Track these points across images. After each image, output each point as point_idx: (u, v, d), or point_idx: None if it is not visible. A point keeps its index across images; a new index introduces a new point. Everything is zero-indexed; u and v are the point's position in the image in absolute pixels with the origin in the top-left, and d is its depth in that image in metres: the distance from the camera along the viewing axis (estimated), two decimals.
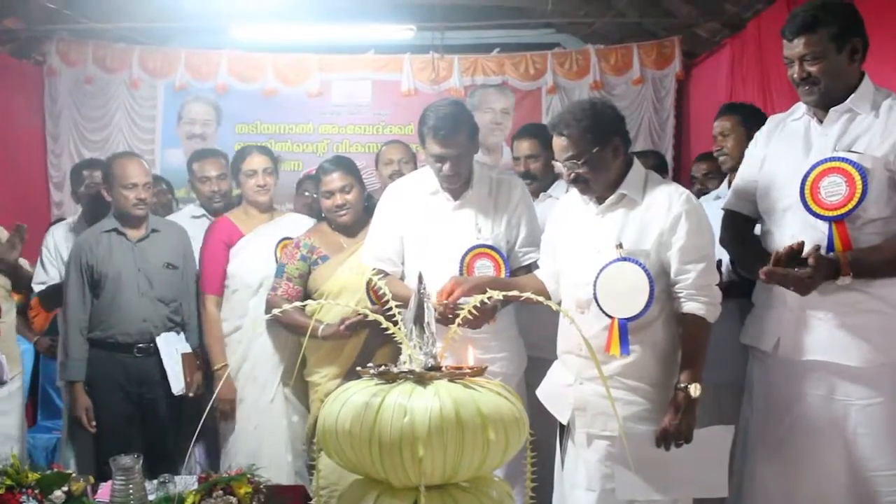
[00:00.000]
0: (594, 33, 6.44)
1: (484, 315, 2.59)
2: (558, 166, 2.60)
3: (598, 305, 2.48)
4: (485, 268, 2.86)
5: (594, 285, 2.48)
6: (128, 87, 6.15)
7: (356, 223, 3.32)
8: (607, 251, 2.51)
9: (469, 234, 2.91)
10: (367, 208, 3.39)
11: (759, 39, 4.99)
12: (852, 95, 2.44)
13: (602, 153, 2.49)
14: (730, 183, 3.35)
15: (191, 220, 3.99)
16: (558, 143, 2.54)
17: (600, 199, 2.59)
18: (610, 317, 2.47)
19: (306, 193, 4.25)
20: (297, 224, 3.65)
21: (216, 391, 3.29)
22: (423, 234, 2.96)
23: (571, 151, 2.50)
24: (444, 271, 2.79)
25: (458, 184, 2.92)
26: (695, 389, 2.43)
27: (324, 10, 5.92)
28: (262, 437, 3.46)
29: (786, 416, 2.56)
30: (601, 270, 2.48)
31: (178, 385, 3.48)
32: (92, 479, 2.63)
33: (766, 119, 3.29)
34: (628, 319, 2.45)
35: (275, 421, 3.49)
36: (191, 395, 3.53)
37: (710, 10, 5.54)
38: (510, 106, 6.37)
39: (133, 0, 5.81)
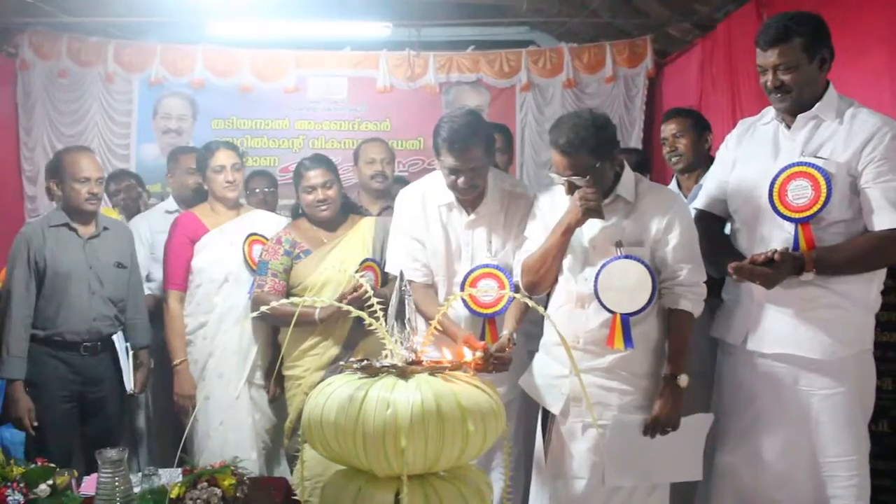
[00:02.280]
0: (568, 31, 6.52)
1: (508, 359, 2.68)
2: (556, 178, 2.62)
3: (600, 301, 2.56)
4: (488, 288, 2.82)
5: (595, 281, 2.56)
6: (103, 80, 6.11)
7: (335, 218, 3.39)
8: (604, 249, 2.59)
9: (481, 251, 2.89)
10: (343, 205, 3.44)
11: (730, 40, 5.10)
12: (818, 103, 2.55)
13: (602, 167, 2.56)
14: (679, 183, 3.47)
15: (165, 215, 4.02)
16: (561, 160, 2.56)
17: None
18: (612, 312, 2.55)
19: (256, 190, 4.29)
20: (263, 221, 3.69)
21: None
22: (438, 248, 2.92)
23: (575, 169, 2.54)
24: (455, 288, 2.84)
25: (472, 196, 2.87)
26: (683, 380, 2.55)
27: (300, 7, 5.93)
28: (226, 435, 3.47)
29: (753, 405, 2.67)
30: (602, 267, 2.56)
31: (130, 383, 3.49)
32: (76, 473, 2.67)
33: (709, 125, 3.41)
34: (630, 314, 2.54)
35: (240, 418, 3.51)
36: (137, 393, 3.57)
37: (682, 11, 5.64)
38: (485, 103, 6.42)
39: None
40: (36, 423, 3.27)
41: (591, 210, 2.52)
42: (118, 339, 3.47)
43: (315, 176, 3.33)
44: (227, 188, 3.57)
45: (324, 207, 3.34)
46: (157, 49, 6.15)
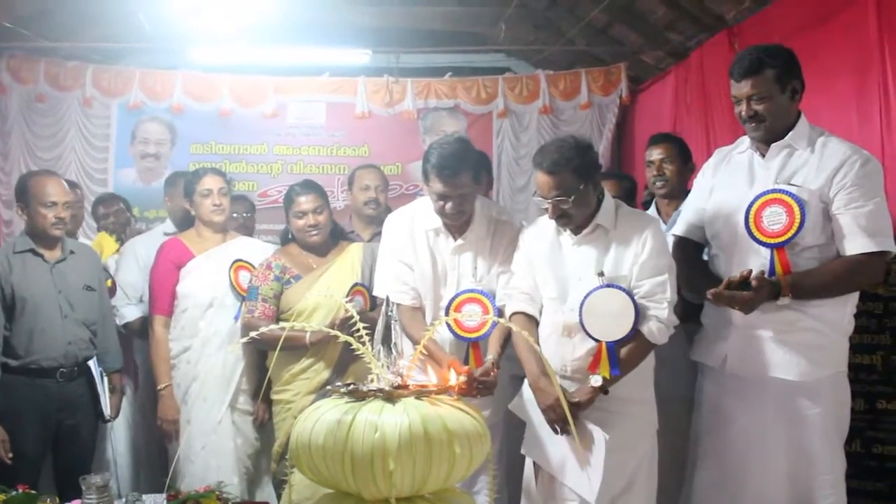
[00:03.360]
0: (544, 59, 6.62)
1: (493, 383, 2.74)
2: (540, 201, 2.68)
3: (585, 330, 2.60)
4: (473, 313, 2.86)
5: (580, 311, 2.61)
6: (81, 105, 6.07)
7: (325, 244, 3.44)
8: (588, 279, 2.64)
9: (467, 276, 2.94)
10: (332, 231, 3.49)
11: (702, 68, 5.21)
12: (791, 132, 2.64)
13: (586, 190, 2.62)
14: (658, 209, 3.52)
15: (163, 238, 4.01)
16: (546, 180, 2.62)
17: (576, 230, 2.72)
18: (597, 340, 2.59)
19: (234, 215, 4.32)
20: (249, 247, 3.73)
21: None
22: (426, 272, 2.97)
23: (560, 189, 2.60)
24: (441, 312, 2.89)
25: (459, 221, 2.92)
26: (595, 380, 2.58)
27: (280, 33, 5.99)
28: (208, 459, 3.48)
29: (732, 426, 2.72)
30: (586, 297, 2.61)
31: (108, 409, 3.51)
32: (58, 500, 2.65)
33: (691, 155, 3.49)
34: (615, 342, 2.58)
35: (222, 442, 3.52)
36: (113, 418, 3.59)
37: (656, 39, 5.75)
38: (462, 129, 6.44)
39: (88, 19, 5.80)
40: (11, 455, 3.20)
41: (553, 422, 2.62)
42: (93, 364, 3.45)
43: (306, 202, 3.37)
44: (215, 212, 3.61)
45: (314, 233, 3.39)
46: (136, 74, 6.14)
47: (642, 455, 2.68)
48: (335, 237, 3.52)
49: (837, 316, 2.63)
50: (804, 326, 2.59)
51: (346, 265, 3.42)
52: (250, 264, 3.57)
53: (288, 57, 6.20)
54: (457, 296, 2.91)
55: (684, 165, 3.46)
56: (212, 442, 3.49)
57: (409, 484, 2.04)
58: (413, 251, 2.99)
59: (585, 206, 2.64)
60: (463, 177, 2.81)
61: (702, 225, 2.85)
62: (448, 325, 2.85)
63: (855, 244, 2.52)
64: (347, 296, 3.21)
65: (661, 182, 3.46)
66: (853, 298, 2.68)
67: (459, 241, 2.95)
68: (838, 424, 2.66)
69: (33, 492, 2.65)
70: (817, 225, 2.56)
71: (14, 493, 2.61)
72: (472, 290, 2.91)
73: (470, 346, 2.89)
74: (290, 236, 3.51)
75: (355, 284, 3.33)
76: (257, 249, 3.69)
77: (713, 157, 2.93)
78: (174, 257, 3.62)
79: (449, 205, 2.83)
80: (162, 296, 3.61)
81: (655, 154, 3.49)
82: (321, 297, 3.25)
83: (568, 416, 2.23)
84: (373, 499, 2.07)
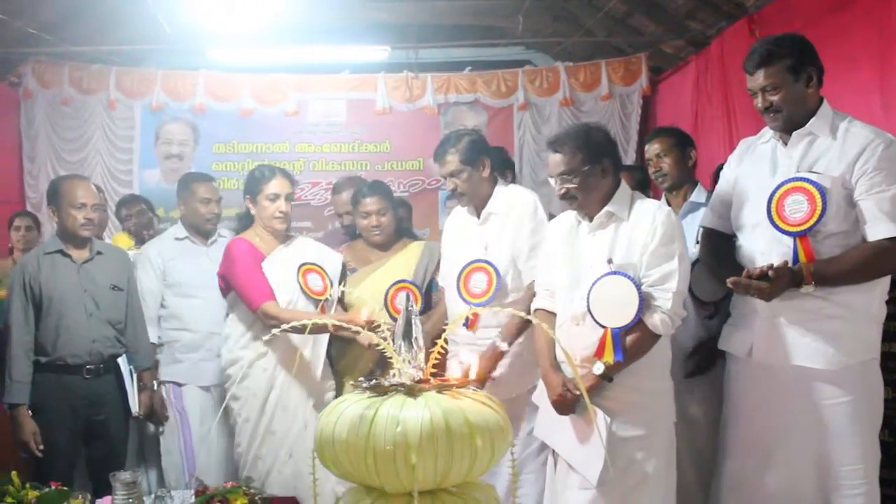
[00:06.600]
0: (564, 51, 6.61)
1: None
2: (552, 182, 2.78)
3: (592, 316, 2.62)
4: (479, 281, 3.14)
5: (587, 298, 2.63)
6: (105, 107, 6.18)
7: (388, 241, 3.66)
8: (599, 266, 2.66)
9: (477, 250, 3.20)
10: (398, 230, 3.70)
11: (723, 56, 5.18)
12: (812, 119, 2.62)
13: (592, 172, 2.68)
14: (668, 202, 3.44)
15: (174, 242, 3.91)
16: (554, 158, 2.73)
17: (590, 218, 2.75)
18: (603, 327, 2.60)
19: None
20: (311, 248, 3.63)
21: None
22: (448, 249, 3.38)
23: (564, 167, 2.69)
24: (452, 286, 3.23)
25: (463, 201, 3.26)
26: (598, 367, 2.60)
27: (299, 32, 6.03)
28: (297, 465, 3.40)
29: (758, 415, 2.70)
30: (593, 284, 2.63)
31: (136, 406, 3.58)
32: (89, 496, 2.70)
33: (692, 142, 3.45)
34: (620, 328, 2.59)
35: (309, 446, 3.43)
36: (142, 415, 3.65)
37: (675, 29, 5.72)
38: (482, 123, 6.46)
39: (109, 23, 5.88)
40: (42, 447, 3.29)
41: (561, 409, 2.69)
42: (123, 362, 3.52)
43: (371, 203, 3.56)
44: (280, 219, 3.47)
45: (376, 232, 3.60)
46: (158, 75, 6.22)
47: (659, 447, 2.67)
48: (400, 234, 3.71)
49: (864, 302, 2.59)
50: (829, 314, 2.56)
51: (401, 262, 3.60)
52: (317, 266, 3.49)
53: (308, 55, 6.25)
54: (466, 266, 3.18)
55: (683, 155, 3.37)
56: (298, 449, 3.41)
57: (431, 477, 2.04)
58: (447, 235, 3.42)
59: (591, 188, 2.70)
60: (448, 156, 3.19)
61: (728, 216, 2.84)
62: (458, 291, 3.16)
63: (878, 229, 2.49)
64: (388, 291, 3.41)
65: (661, 177, 3.41)
66: (882, 284, 2.64)
67: (480, 219, 3.24)
68: (870, 414, 2.61)
69: (65, 488, 2.68)
70: (840, 211, 2.53)
71: (47, 489, 2.66)
72: (478, 260, 3.16)
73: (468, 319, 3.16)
74: (357, 232, 3.72)
75: (399, 281, 3.47)
76: (319, 251, 3.61)
77: (738, 147, 2.92)
78: (255, 252, 3.46)
79: (449, 182, 3.22)
80: (260, 284, 3.38)
81: (651, 150, 3.44)
82: (367, 291, 3.36)
83: (585, 397, 2.24)
84: (396, 492, 2.08)
